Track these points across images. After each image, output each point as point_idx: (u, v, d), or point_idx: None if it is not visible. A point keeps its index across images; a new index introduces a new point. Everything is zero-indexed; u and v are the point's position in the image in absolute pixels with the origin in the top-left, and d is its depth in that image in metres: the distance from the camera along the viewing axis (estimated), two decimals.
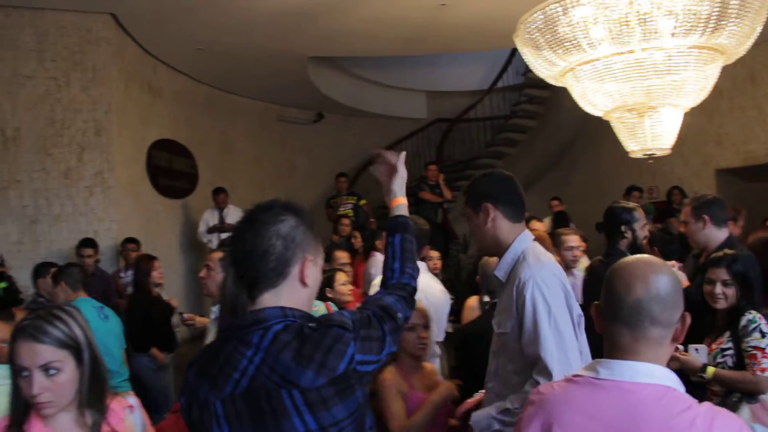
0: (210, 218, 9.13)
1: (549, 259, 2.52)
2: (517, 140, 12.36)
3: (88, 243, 6.70)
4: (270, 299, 1.68)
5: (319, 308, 3.75)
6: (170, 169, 9.26)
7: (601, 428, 1.48)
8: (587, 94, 4.74)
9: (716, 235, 3.85)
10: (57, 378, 1.94)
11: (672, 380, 1.52)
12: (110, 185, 7.43)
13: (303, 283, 1.71)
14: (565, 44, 4.16)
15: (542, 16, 4.15)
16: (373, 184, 12.06)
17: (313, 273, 1.74)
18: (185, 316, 4.62)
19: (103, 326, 4.61)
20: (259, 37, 8.32)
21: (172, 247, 9.15)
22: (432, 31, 8.48)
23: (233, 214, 9.08)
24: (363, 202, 10.15)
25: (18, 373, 1.94)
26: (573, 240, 5.05)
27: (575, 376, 1.61)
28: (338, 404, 1.57)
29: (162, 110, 9.23)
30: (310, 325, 1.64)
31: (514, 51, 12.46)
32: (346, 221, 8.51)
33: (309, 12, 7.57)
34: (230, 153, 10.91)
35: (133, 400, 2.20)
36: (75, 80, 7.37)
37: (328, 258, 5.15)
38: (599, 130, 7.89)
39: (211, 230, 9.01)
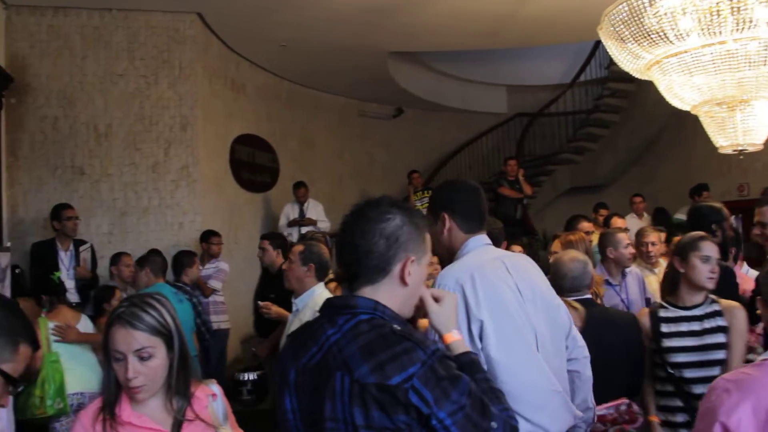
0: (290, 212, 9.26)
1: (466, 264, 2.47)
2: (599, 135, 12.12)
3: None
4: (368, 293, 1.71)
5: None
6: (252, 164, 9.45)
7: None
8: (674, 88, 4.55)
9: None
10: (150, 363, 2.01)
11: None
12: (195, 179, 7.65)
13: (403, 282, 1.72)
14: (652, 36, 4.00)
15: (627, 8, 4.00)
16: (454, 177, 12.09)
17: (416, 272, 1.74)
18: (261, 303, 4.66)
19: (179, 310, 4.82)
20: (341, 34, 8.40)
21: (253, 239, 9.27)
22: (512, 24, 8.37)
23: (313, 208, 9.20)
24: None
25: (113, 358, 2.02)
26: (652, 237, 5.01)
27: (764, 360, 1.66)
28: (376, 411, 1.55)
29: (245, 106, 9.43)
30: (395, 327, 1.64)
31: (598, 43, 12.20)
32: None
33: (389, 8, 7.61)
34: (311, 147, 11.05)
35: (215, 387, 2.25)
36: (163, 78, 7.61)
37: None
38: (686, 124, 7.64)
39: (291, 224, 9.13)
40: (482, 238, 2.57)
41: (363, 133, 12.14)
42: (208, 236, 7.24)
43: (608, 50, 4.61)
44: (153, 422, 2.05)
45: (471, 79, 13.05)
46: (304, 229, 8.97)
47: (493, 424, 1.61)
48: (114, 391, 2.05)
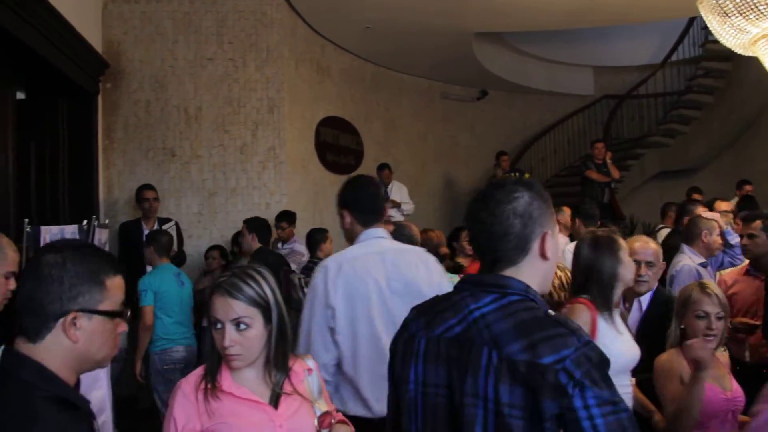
0: None
1: (344, 255, 2.89)
2: (692, 117, 11.68)
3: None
4: (511, 274, 1.70)
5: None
6: (337, 145, 9.53)
7: None
8: None
9: None
10: (246, 333, 2.06)
11: None
12: (282, 160, 7.76)
13: (543, 257, 1.72)
14: (760, 8, 3.78)
15: None
16: (539, 160, 11.95)
17: (552, 245, 1.72)
18: None
19: (179, 290, 5.40)
20: (427, 14, 8.33)
21: (337, 221, 9.40)
22: (602, 1, 8.12)
23: (397, 191, 9.21)
24: (526, 176, 9.98)
25: (213, 326, 2.08)
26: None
27: None
28: (520, 388, 1.52)
29: (330, 88, 9.50)
30: (549, 312, 1.64)
31: (692, 20, 11.75)
32: None
33: None
34: (394, 130, 11.06)
35: (311, 363, 2.30)
36: (250, 60, 7.74)
37: None
38: None
39: None
40: (375, 232, 2.91)
41: (446, 115, 12.05)
42: (279, 219, 7.27)
43: (708, 25, 4.42)
44: (252, 394, 2.09)
45: (556, 60, 12.75)
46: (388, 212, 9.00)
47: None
48: (216, 360, 2.11)
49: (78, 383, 1.70)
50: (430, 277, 2.86)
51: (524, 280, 1.68)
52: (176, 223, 6.80)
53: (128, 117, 7.51)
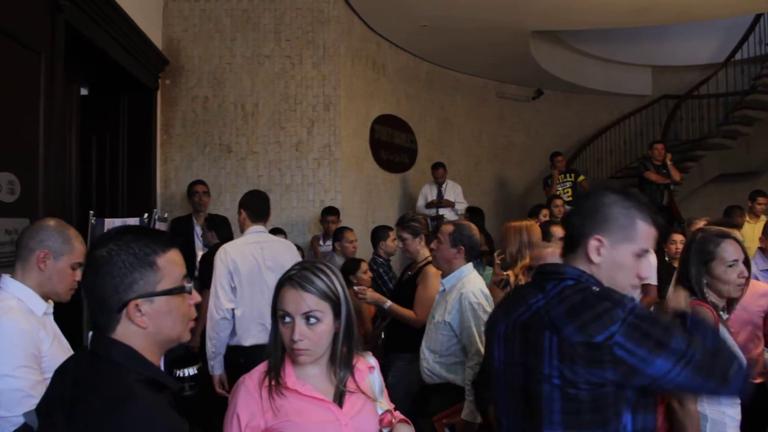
0: (428, 193, 9.23)
1: (237, 242, 4.44)
2: (755, 118, 11.28)
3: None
4: (570, 262, 1.94)
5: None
6: (391, 144, 9.49)
7: None
8: None
9: None
10: (316, 328, 2.03)
11: None
12: (336, 158, 7.77)
13: (588, 258, 1.90)
14: None
15: None
16: (594, 161, 11.77)
17: (607, 254, 1.88)
18: (356, 288, 4.53)
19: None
20: (483, 12, 8.25)
21: (390, 220, 9.36)
22: None
23: (451, 190, 9.14)
24: (581, 178, 9.83)
25: (280, 319, 2.05)
26: None
27: None
28: (582, 367, 1.72)
29: (385, 86, 9.47)
30: (595, 289, 1.81)
31: (758, 18, 11.40)
32: (558, 202, 8.25)
33: None
34: (448, 128, 10.98)
35: (373, 360, 2.26)
36: (307, 58, 7.76)
37: (545, 235, 5.04)
38: None
39: (429, 205, 9.10)
40: (257, 228, 4.37)
41: (501, 114, 11.94)
42: (324, 214, 7.32)
43: None
44: (317, 391, 2.05)
45: (614, 60, 12.50)
46: (441, 211, 8.94)
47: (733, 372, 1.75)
48: (280, 355, 2.07)
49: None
50: (294, 259, 4.27)
51: (583, 268, 1.89)
52: (226, 220, 6.86)
53: (186, 113, 7.60)
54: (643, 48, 12.30)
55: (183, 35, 7.62)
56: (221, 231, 5.82)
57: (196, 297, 1.74)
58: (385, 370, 4.29)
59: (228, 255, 4.22)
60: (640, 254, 1.88)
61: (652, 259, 2.16)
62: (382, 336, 5.30)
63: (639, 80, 13.12)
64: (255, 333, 4.18)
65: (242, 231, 4.42)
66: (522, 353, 1.88)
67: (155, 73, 7.11)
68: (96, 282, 1.61)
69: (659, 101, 12.78)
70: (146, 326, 1.62)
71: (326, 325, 2.04)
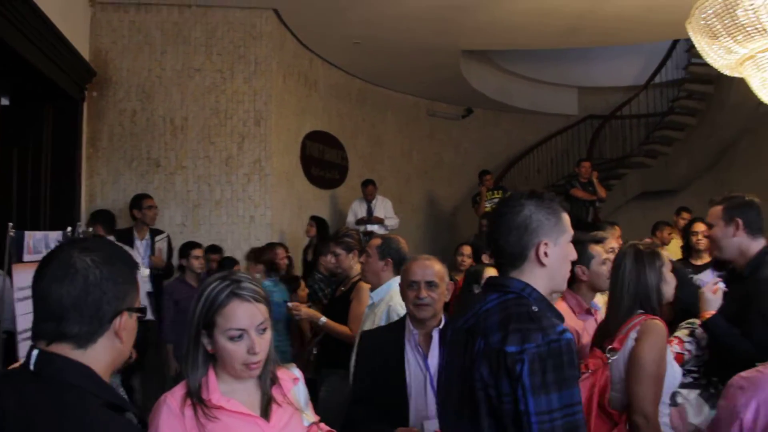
0: (358, 209, 9.27)
1: None
2: (674, 138, 11.75)
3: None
4: (516, 276, 1.95)
5: None
6: (322, 160, 9.51)
7: None
8: None
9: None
10: (266, 336, 1.99)
11: None
12: (267, 173, 7.73)
13: (540, 263, 1.94)
14: (747, 29, 3.84)
15: (721, 0, 3.85)
16: (522, 179, 11.96)
17: (554, 252, 1.94)
18: (290, 305, 4.49)
19: None
20: (416, 31, 8.37)
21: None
22: (591, 22, 8.20)
23: (381, 205, 9.20)
24: (509, 194, 10.02)
25: (231, 340, 1.95)
26: None
27: None
28: (490, 370, 1.79)
29: (317, 102, 9.50)
30: (534, 309, 1.85)
31: (675, 43, 11.89)
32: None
33: (466, 4, 7.55)
34: (379, 145, 11.06)
35: (297, 372, 2.21)
36: (238, 72, 7.72)
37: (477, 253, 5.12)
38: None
39: (359, 222, 9.14)
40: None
41: (431, 132, 12.09)
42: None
43: (696, 45, 4.44)
44: (242, 406, 1.99)
45: (541, 80, 12.84)
46: (371, 227, 8.98)
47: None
48: (201, 374, 2.00)
49: None
50: None
51: (527, 280, 1.93)
52: (168, 237, 6.75)
53: (113, 126, 7.46)
54: (569, 69, 12.69)
55: (111, 47, 7.48)
56: (107, 225, 5.93)
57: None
58: (317, 386, 4.30)
59: None
60: (571, 239, 2.01)
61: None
62: (314, 351, 5.28)
63: (565, 100, 13.48)
64: None
65: None
66: (462, 357, 1.92)
67: (81, 85, 6.95)
68: (88, 288, 1.49)
69: (585, 121, 13.14)
70: (124, 341, 1.57)
71: (270, 330, 2.02)
